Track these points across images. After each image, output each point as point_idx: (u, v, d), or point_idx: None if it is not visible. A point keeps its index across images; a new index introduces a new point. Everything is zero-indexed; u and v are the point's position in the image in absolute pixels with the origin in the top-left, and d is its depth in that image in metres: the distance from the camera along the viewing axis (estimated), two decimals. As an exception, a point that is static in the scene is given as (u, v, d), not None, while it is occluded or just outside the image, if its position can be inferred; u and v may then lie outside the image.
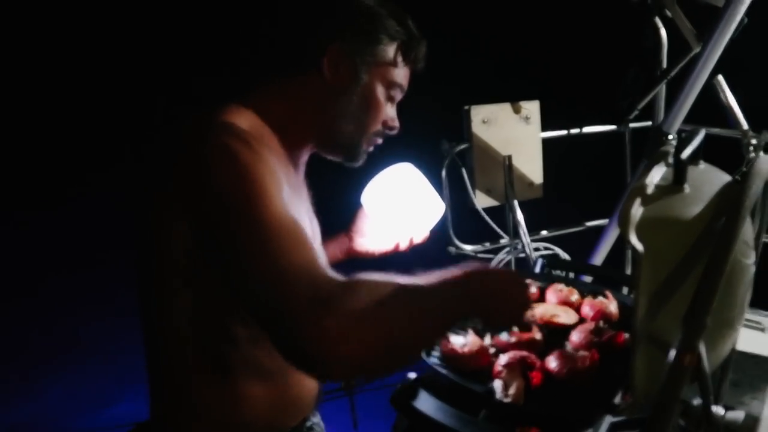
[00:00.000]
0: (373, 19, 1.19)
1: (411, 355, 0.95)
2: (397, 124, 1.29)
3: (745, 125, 2.20)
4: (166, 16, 7.76)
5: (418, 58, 1.27)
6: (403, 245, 1.57)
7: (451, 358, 1.17)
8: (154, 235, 1.05)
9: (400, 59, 1.22)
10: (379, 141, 1.30)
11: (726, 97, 2.23)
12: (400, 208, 1.49)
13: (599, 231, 2.53)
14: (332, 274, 0.93)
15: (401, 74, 1.25)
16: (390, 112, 1.27)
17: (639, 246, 0.85)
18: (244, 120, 1.10)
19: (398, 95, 1.28)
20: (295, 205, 1.11)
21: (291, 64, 1.19)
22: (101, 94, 7.69)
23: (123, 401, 3.37)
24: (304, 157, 1.28)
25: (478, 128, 2.24)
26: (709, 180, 1.04)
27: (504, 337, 1.24)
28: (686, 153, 0.97)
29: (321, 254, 0.97)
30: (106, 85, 7.77)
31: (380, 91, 1.22)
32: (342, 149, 1.27)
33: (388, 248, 1.58)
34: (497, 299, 1.05)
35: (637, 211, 0.90)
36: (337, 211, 1.68)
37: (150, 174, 1.07)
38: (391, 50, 1.21)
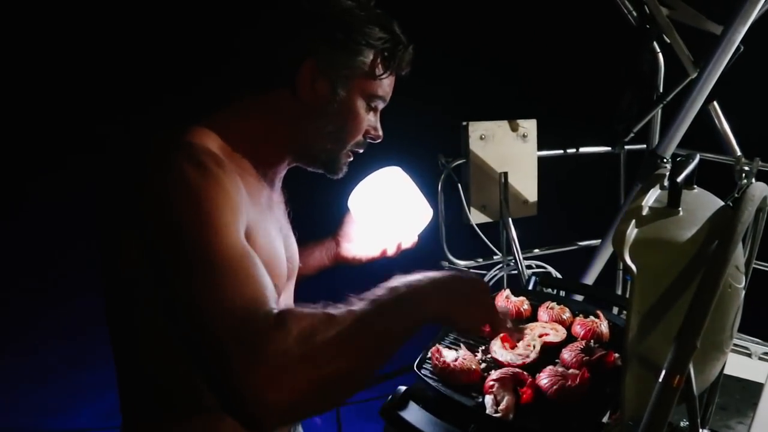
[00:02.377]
0: (351, 29, 1.10)
1: (355, 387, 0.87)
2: (380, 133, 1.23)
3: (738, 151, 2.23)
4: (140, 27, 7.78)
5: (403, 65, 1.18)
6: (391, 251, 1.53)
7: (442, 371, 1.18)
8: (118, 260, 1.02)
9: (381, 69, 1.14)
10: (360, 150, 1.24)
11: (720, 123, 2.26)
12: (387, 212, 1.45)
13: (591, 251, 2.54)
14: (269, 310, 0.86)
15: (384, 84, 1.17)
16: (371, 121, 1.20)
17: (633, 266, 0.86)
18: (212, 139, 1.05)
19: (380, 104, 1.21)
20: (263, 224, 1.09)
21: (263, 80, 1.13)
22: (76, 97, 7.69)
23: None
24: (281, 172, 1.23)
25: (475, 144, 2.26)
26: (702, 204, 1.06)
27: (498, 353, 1.25)
28: (681, 177, 0.99)
29: (267, 289, 0.89)
30: (79, 88, 7.77)
31: (360, 104, 1.15)
32: (321, 164, 1.21)
33: (376, 254, 1.54)
34: (458, 303, 1.00)
35: (631, 231, 0.92)
36: (324, 215, 1.66)
37: (113, 195, 1.04)
38: (371, 60, 1.13)
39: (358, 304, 0.89)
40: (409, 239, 1.53)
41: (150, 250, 0.95)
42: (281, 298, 1.20)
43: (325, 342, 0.83)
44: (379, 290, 0.93)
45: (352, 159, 1.24)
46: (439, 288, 0.97)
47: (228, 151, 1.08)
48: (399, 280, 0.96)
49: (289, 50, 1.10)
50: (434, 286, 0.97)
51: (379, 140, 1.23)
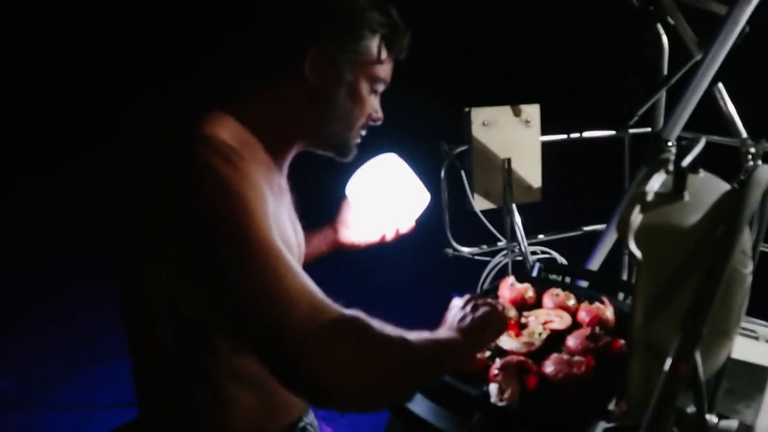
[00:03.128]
0: (355, 15, 1.14)
1: (402, 395, 0.98)
2: (380, 115, 1.27)
3: (744, 134, 2.20)
4: (148, 16, 7.76)
5: (401, 49, 1.23)
6: (389, 236, 1.56)
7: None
8: (135, 251, 1.02)
9: (384, 53, 1.19)
10: (363, 132, 1.28)
11: (726, 105, 2.23)
12: (384, 198, 1.48)
13: (597, 236, 2.53)
14: (330, 301, 0.93)
15: (385, 68, 1.22)
16: (374, 104, 1.25)
17: (638, 252, 0.85)
18: (226, 129, 1.07)
19: (382, 87, 1.25)
20: (278, 212, 1.11)
21: (272, 69, 1.15)
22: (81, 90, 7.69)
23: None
24: (290, 158, 1.25)
25: (478, 130, 2.24)
26: (708, 188, 1.05)
27: (502, 341, 1.24)
28: (686, 161, 0.97)
29: (311, 281, 0.95)
30: (86, 82, 7.76)
31: (364, 87, 1.19)
32: (332, 148, 1.25)
33: (374, 239, 1.57)
34: (482, 339, 1.12)
35: (636, 217, 0.91)
36: (322, 202, 1.67)
37: (129, 186, 1.05)
38: (374, 45, 1.17)
39: (417, 333, 0.99)
40: (407, 224, 1.56)
41: (184, 246, 0.95)
42: None
43: (392, 345, 0.93)
44: (442, 331, 1.09)
45: (360, 141, 1.27)
46: (473, 339, 1.09)
47: (242, 142, 1.09)
48: (452, 327, 1.10)
49: (295, 39, 1.12)
50: (469, 338, 1.08)
51: (380, 122, 1.27)
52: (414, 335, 0.97)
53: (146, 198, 0.99)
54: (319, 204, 1.63)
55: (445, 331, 1.09)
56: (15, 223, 6.12)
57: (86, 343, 4.00)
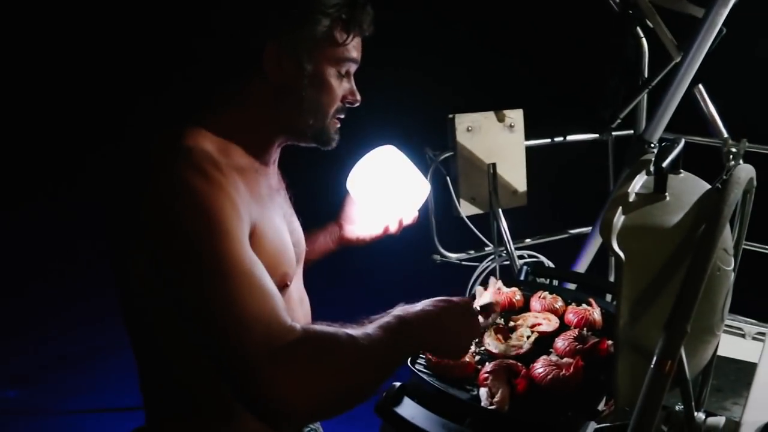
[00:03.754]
0: (303, 3, 1.11)
1: (359, 400, 0.96)
2: (357, 97, 1.24)
3: (725, 134, 2.23)
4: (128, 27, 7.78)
5: (364, 26, 1.18)
6: (393, 228, 1.55)
7: (436, 365, 1.18)
8: (128, 272, 1.05)
9: (342, 35, 1.15)
10: (342, 116, 1.25)
11: (707, 105, 2.26)
12: (386, 190, 1.48)
13: (583, 238, 2.54)
14: (287, 320, 0.93)
15: (349, 48, 1.18)
16: (346, 86, 1.22)
17: (620, 253, 0.86)
18: (206, 139, 1.08)
19: (352, 67, 1.22)
20: (267, 215, 1.12)
21: (235, 74, 1.15)
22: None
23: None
24: (274, 156, 1.26)
25: (462, 136, 2.25)
26: (689, 188, 1.06)
27: (491, 345, 1.25)
28: (667, 162, 0.99)
29: (278, 297, 0.96)
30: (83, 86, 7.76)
31: (330, 72, 1.16)
32: (311, 139, 1.23)
33: (379, 232, 1.56)
34: (445, 336, 1.08)
35: (618, 219, 0.92)
36: (323, 201, 1.67)
37: (116, 204, 1.06)
38: (330, 28, 1.13)
39: (371, 328, 0.98)
40: (409, 215, 1.56)
41: (159, 260, 0.97)
42: (292, 283, 1.21)
43: (345, 355, 0.92)
44: (389, 317, 1.02)
45: (339, 126, 1.25)
46: (431, 325, 1.05)
47: (223, 149, 1.10)
48: (403, 310, 1.05)
49: (249, 39, 1.12)
50: (427, 322, 1.05)
51: (358, 104, 1.25)
52: (364, 331, 0.97)
53: (132, 217, 1.01)
54: (320, 203, 1.64)
55: (397, 314, 1.04)
56: (27, 231, 6.10)
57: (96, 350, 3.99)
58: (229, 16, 1.14)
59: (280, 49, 1.11)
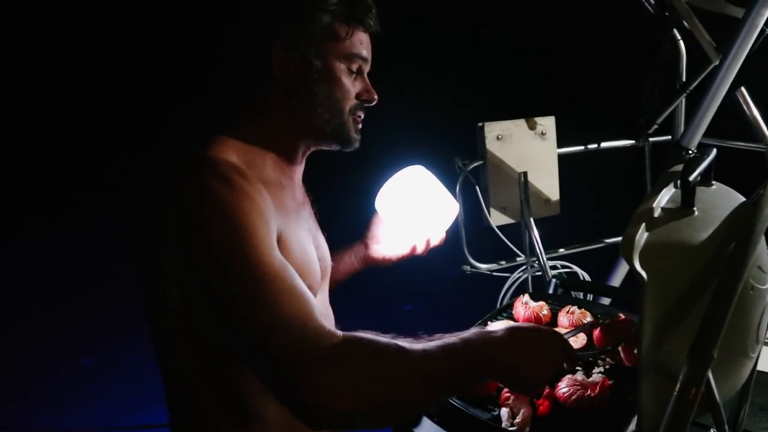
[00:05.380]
0: (302, 1, 1.13)
1: (401, 414, 0.94)
2: (374, 95, 1.24)
3: (769, 138, 2.14)
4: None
5: (368, 21, 1.19)
6: (420, 248, 1.54)
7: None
8: (154, 280, 1.06)
9: (346, 29, 1.16)
10: (362, 115, 1.25)
11: (750, 109, 2.17)
12: (414, 210, 1.47)
13: (618, 248, 2.47)
14: (324, 323, 0.92)
15: (355, 43, 1.18)
16: (360, 84, 1.22)
17: (643, 273, 0.82)
18: (232, 150, 1.10)
19: (364, 65, 1.22)
20: (292, 229, 1.12)
21: (249, 82, 1.17)
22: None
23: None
24: (300, 167, 1.26)
25: (492, 145, 2.21)
26: (721, 201, 1.01)
27: None
28: (694, 174, 0.94)
29: (313, 301, 0.95)
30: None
31: (339, 67, 1.17)
32: (331, 139, 1.23)
33: (405, 253, 1.54)
34: (525, 364, 0.99)
35: (641, 236, 0.87)
36: (350, 220, 1.66)
37: (145, 220, 1.08)
38: (331, 23, 1.15)
39: (430, 345, 0.94)
40: (437, 235, 1.54)
41: (187, 269, 0.98)
42: (317, 297, 1.21)
43: (390, 365, 0.90)
44: (454, 338, 0.97)
45: (360, 126, 1.25)
46: (508, 350, 0.99)
47: (248, 160, 1.12)
48: (475, 333, 0.99)
49: (255, 45, 1.14)
50: (503, 347, 0.98)
51: (374, 102, 1.24)
52: (420, 347, 0.93)
53: (159, 228, 1.03)
54: (347, 221, 1.63)
55: (465, 337, 0.98)
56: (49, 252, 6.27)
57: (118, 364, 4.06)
58: (233, 24, 1.17)
59: (285, 48, 1.13)
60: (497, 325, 1.04)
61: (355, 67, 1.19)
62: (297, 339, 0.88)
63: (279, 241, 1.05)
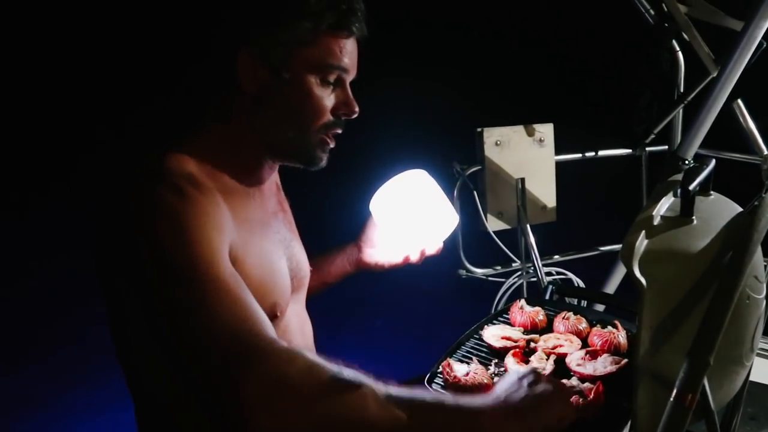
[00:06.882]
0: (272, 4, 1.02)
1: None
2: (353, 108, 1.12)
3: (765, 150, 2.16)
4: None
5: (352, 25, 1.06)
6: (415, 257, 1.47)
7: (453, 386, 1.15)
8: (114, 300, 1.05)
9: (324, 36, 1.04)
10: (339, 131, 1.14)
11: (746, 121, 2.20)
12: (411, 217, 1.40)
13: (614, 256, 2.48)
14: (267, 333, 0.85)
15: (334, 51, 1.06)
16: (338, 96, 1.11)
17: (642, 279, 0.83)
18: (190, 161, 1.03)
19: (345, 74, 1.10)
20: (255, 240, 1.08)
21: (213, 89, 1.10)
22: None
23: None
24: (268, 177, 1.19)
25: (490, 150, 2.22)
26: (719, 211, 1.02)
27: (511, 368, 1.22)
28: (694, 184, 0.95)
29: (257, 312, 0.89)
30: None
31: (311, 80, 1.06)
32: (292, 156, 1.14)
33: (399, 260, 1.48)
34: (533, 420, 0.91)
35: (641, 243, 0.89)
36: (343, 219, 1.62)
37: (98, 228, 1.04)
38: (305, 29, 1.03)
39: (413, 392, 0.86)
40: (433, 245, 1.48)
41: (135, 280, 0.95)
42: (289, 309, 1.19)
43: (326, 385, 0.81)
44: (446, 395, 0.92)
45: (332, 146, 1.15)
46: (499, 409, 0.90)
47: (208, 170, 1.05)
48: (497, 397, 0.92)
49: (221, 49, 1.06)
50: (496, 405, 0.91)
51: (355, 116, 1.14)
52: (396, 391, 0.84)
53: (111, 241, 1.01)
54: (340, 221, 1.60)
55: (482, 399, 0.92)
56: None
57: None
58: (200, 26, 1.10)
59: (251, 55, 1.03)
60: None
61: (332, 78, 1.08)
62: (225, 344, 0.82)
63: (232, 254, 0.99)
